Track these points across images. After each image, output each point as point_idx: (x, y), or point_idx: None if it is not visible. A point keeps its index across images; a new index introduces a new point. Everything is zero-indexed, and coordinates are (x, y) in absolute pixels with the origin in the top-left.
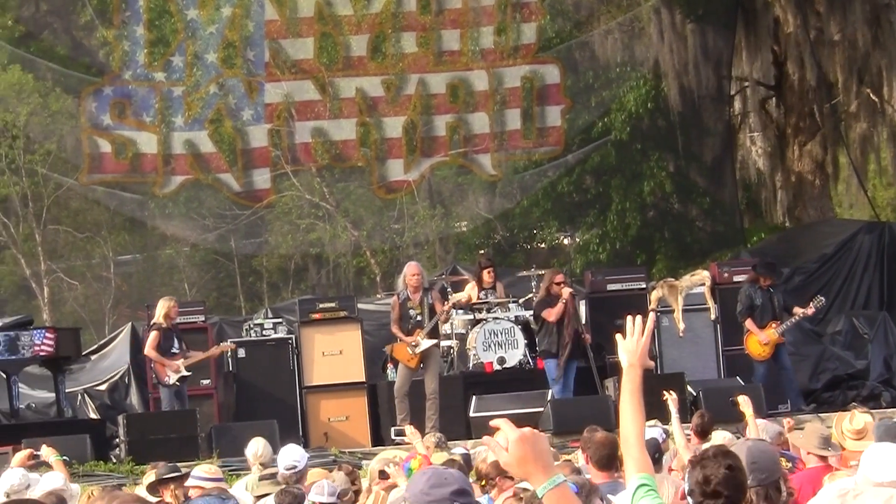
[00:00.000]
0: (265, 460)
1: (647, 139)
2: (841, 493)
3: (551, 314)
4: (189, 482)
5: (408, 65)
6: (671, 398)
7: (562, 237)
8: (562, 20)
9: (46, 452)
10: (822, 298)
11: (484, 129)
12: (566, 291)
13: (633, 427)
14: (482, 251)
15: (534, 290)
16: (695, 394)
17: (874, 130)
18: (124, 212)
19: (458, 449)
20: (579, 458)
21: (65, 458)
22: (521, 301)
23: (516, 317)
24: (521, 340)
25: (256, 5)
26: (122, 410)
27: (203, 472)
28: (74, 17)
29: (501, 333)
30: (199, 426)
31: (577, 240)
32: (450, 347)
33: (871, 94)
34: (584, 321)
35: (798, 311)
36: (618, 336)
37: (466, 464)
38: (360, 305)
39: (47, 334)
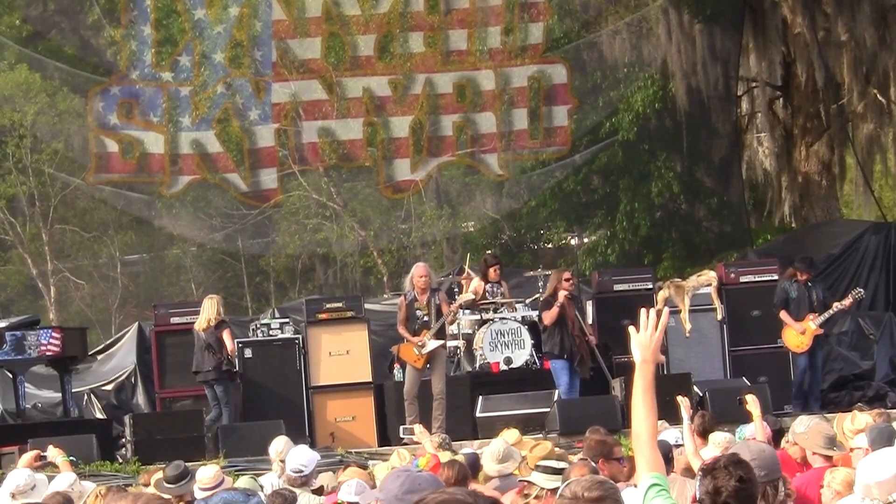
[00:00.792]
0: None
1: (654, 139)
2: None
3: (547, 317)
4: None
5: (415, 64)
6: (684, 403)
7: (569, 237)
8: (569, 20)
9: (53, 454)
10: (861, 290)
11: (491, 128)
12: (562, 294)
13: (645, 425)
14: (489, 251)
15: (540, 291)
16: (701, 394)
17: (881, 131)
18: (131, 211)
19: (466, 449)
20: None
21: (72, 458)
22: (527, 301)
23: (523, 317)
24: (528, 341)
25: (264, 5)
26: (129, 410)
27: (203, 484)
28: (82, 16)
29: (508, 334)
30: (205, 426)
31: (585, 240)
32: (456, 348)
33: (878, 95)
34: (590, 321)
35: (836, 305)
36: (631, 329)
37: (473, 464)
38: (367, 305)
39: (54, 334)
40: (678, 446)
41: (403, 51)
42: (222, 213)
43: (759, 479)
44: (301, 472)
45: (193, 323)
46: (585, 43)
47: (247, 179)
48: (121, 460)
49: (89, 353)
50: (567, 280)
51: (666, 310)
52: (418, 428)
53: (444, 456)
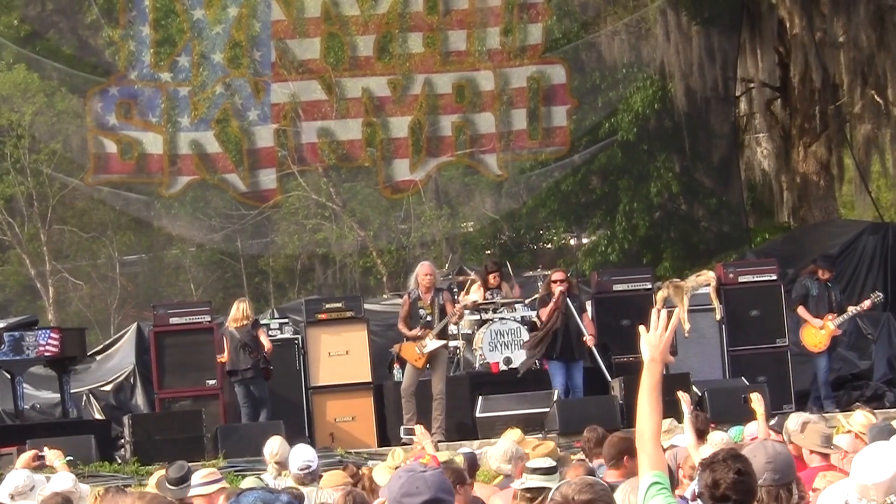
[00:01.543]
0: (281, 459)
1: (653, 140)
2: None
3: (544, 313)
4: (191, 492)
5: (414, 65)
6: (685, 399)
7: (568, 237)
8: (568, 21)
9: (51, 456)
10: (880, 294)
11: (490, 129)
12: (557, 290)
13: (649, 423)
14: (489, 252)
15: (539, 291)
16: (700, 394)
17: (878, 132)
18: (130, 212)
19: (464, 449)
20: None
21: (69, 458)
22: (526, 301)
23: (522, 317)
24: None
25: (263, 5)
26: (128, 411)
27: (201, 479)
28: (80, 16)
29: (507, 334)
30: (204, 426)
31: (584, 240)
32: (456, 348)
33: (876, 96)
34: (590, 318)
35: (851, 308)
36: (641, 328)
37: (472, 464)
38: (366, 306)
39: (52, 335)
40: None
41: (402, 51)
42: (221, 214)
43: (773, 482)
44: (308, 467)
45: (193, 323)
46: (584, 43)
47: (246, 180)
48: (120, 461)
49: (88, 354)
50: (555, 281)
51: (676, 310)
52: (419, 429)
53: (442, 455)
